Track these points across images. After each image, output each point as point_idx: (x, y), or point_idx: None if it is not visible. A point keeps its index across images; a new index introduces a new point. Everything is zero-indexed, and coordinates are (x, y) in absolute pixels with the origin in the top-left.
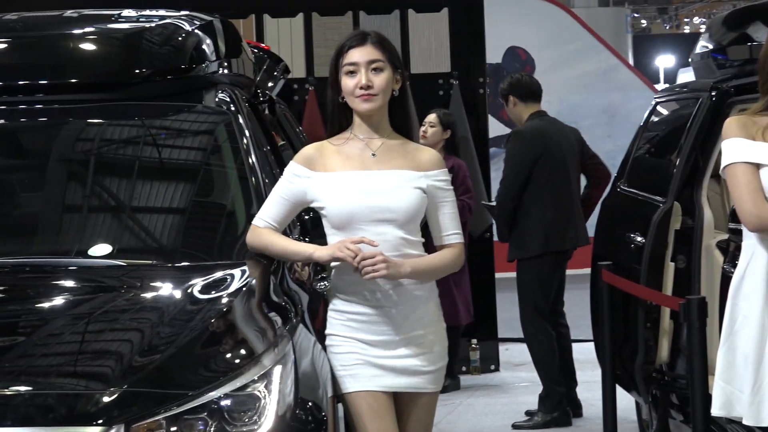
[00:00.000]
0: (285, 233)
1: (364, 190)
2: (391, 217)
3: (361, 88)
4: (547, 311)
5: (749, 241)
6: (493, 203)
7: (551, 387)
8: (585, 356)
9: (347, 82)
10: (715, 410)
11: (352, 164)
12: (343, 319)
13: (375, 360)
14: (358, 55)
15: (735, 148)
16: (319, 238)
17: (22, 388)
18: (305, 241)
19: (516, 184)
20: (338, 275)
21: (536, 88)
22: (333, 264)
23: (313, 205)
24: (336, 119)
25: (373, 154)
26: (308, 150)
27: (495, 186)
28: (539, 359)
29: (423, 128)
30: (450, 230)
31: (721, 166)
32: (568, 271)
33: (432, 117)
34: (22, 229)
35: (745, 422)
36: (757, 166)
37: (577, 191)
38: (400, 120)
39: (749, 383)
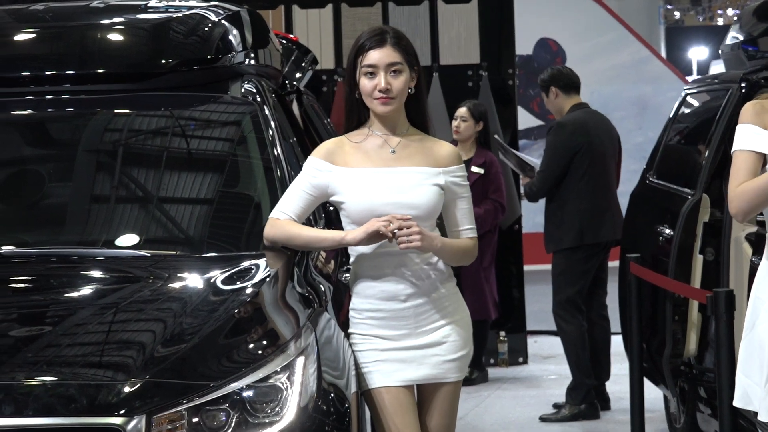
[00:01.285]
0: (310, 224)
1: (386, 187)
2: (412, 214)
3: (380, 91)
4: (579, 303)
5: None
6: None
7: (580, 378)
8: (613, 349)
9: (365, 83)
10: (736, 402)
11: (373, 161)
12: (362, 317)
13: (395, 354)
14: (377, 57)
15: (745, 134)
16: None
17: (46, 379)
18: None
19: (554, 175)
20: (355, 273)
21: (577, 80)
22: (351, 260)
23: (332, 199)
24: (353, 115)
25: (393, 151)
26: (328, 145)
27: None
28: (569, 350)
29: (455, 123)
30: (465, 225)
31: (732, 150)
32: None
33: (463, 111)
34: (50, 219)
35: (760, 418)
36: (765, 158)
37: (615, 184)
38: (416, 115)
39: (764, 377)
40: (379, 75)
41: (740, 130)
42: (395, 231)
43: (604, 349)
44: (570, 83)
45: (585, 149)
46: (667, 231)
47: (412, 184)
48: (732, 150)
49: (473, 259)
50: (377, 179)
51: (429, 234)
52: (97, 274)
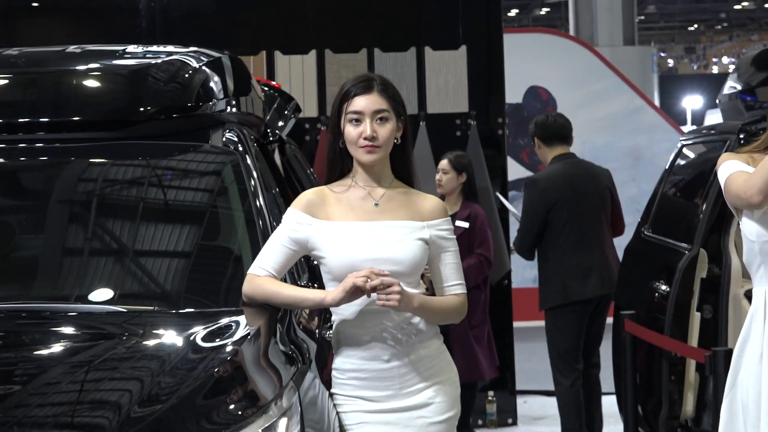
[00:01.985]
0: (293, 279)
1: (368, 242)
2: (394, 270)
3: (366, 138)
4: (570, 362)
5: (759, 287)
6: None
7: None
8: (607, 409)
9: (350, 131)
10: None
11: (355, 214)
12: (345, 377)
13: (380, 417)
14: (363, 103)
15: (730, 165)
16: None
17: None
18: (314, 288)
19: (532, 233)
20: (337, 331)
21: (560, 130)
22: (333, 318)
23: (313, 254)
24: (336, 165)
25: (376, 204)
26: (309, 195)
27: (514, 232)
28: (559, 408)
29: (437, 176)
30: (452, 281)
31: (722, 187)
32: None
33: (444, 163)
34: (20, 272)
35: None
36: None
37: (607, 236)
38: (401, 167)
39: None
40: (365, 122)
41: (724, 166)
42: (376, 286)
43: (593, 408)
44: (551, 134)
45: (560, 204)
46: (663, 287)
47: (396, 239)
48: (724, 178)
49: (462, 316)
50: (359, 234)
51: (408, 293)
52: (69, 330)
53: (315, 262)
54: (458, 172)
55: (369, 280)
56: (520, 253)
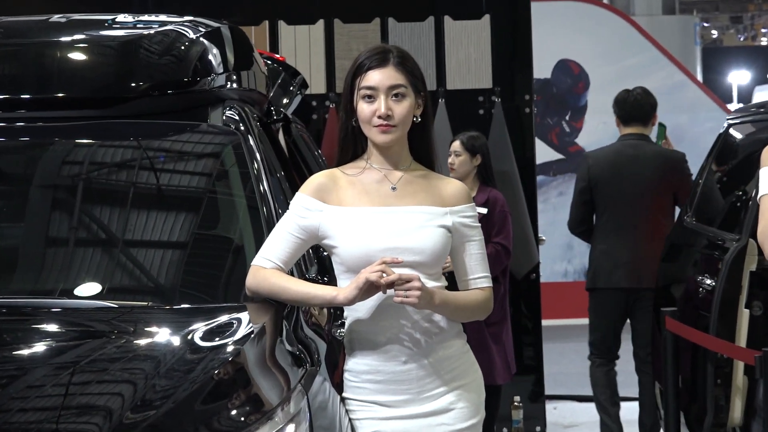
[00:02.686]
0: (300, 272)
1: (384, 229)
2: (414, 260)
3: (380, 117)
4: (601, 348)
5: None
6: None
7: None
8: (624, 416)
9: (364, 108)
10: None
11: (370, 199)
12: (358, 380)
13: (396, 424)
14: (377, 78)
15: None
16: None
17: None
18: (324, 283)
19: (575, 210)
20: (350, 329)
21: (636, 110)
22: (345, 315)
23: (324, 242)
24: (348, 146)
25: (393, 188)
26: (319, 179)
27: (544, 221)
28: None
29: (450, 159)
30: (477, 273)
31: (758, 197)
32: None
33: (456, 145)
34: None
35: None
36: None
37: (649, 226)
38: (421, 148)
39: None
40: (379, 99)
41: (764, 174)
42: (393, 281)
43: (647, 402)
44: (627, 113)
45: (602, 184)
46: (708, 281)
47: (415, 225)
48: (758, 196)
49: (488, 312)
50: (375, 220)
51: (429, 289)
52: (53, 328)
53: (325, 253)
54: (472, 153)
55: (384, 275)
56: (570, 230)
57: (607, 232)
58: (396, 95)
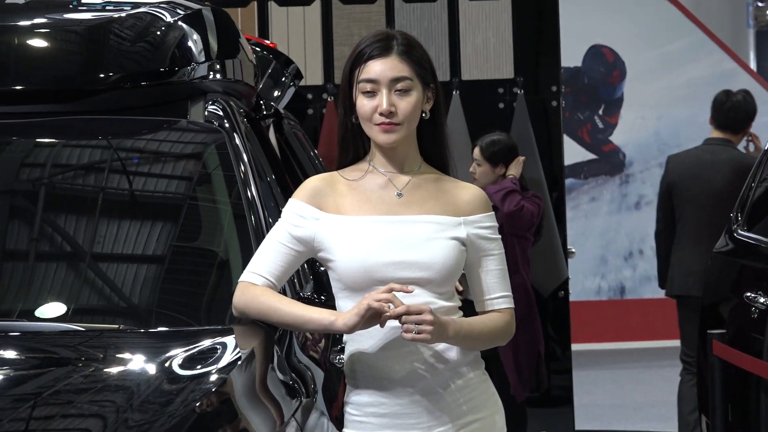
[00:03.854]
0: (294, 290)
1: (387, 241)
2: (422, 277)
3: (381, 114)
4: (686, 357)
5: None
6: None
7: None
8: None
9: (364, 104)
10: None
11: (373, 207)
12: (360, 414)
13: None
14: (379, 69)
15: None
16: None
17: None
18: (321, 304)
19: (659, 212)
20: (350, 355)
21: (731, 121)
22: (345, 339)
23: (319, 256)
24: (348, 146)
25: (399, 194)
26: (314, 183)
27: (573, 231)
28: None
29: (471, 168)
30: (497, 292)
31: None
32: (662, 343)
33: (476, 152)
34: None
35: None
36: None
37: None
38: (432, 148)
39: None
40: (381, 93)
41: None
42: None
43: None
44: (723, 121)
45: (678, 188)
46: (762, 299)
47: (423, 237)
48: None
49: (510, 336)
50: (376, 231)
51: (442, 321)
52: (11, 354)
53: (322, 268)
54: (492, 164)
55: (391, 305)
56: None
57: (681, 238)
58: (400, 90)
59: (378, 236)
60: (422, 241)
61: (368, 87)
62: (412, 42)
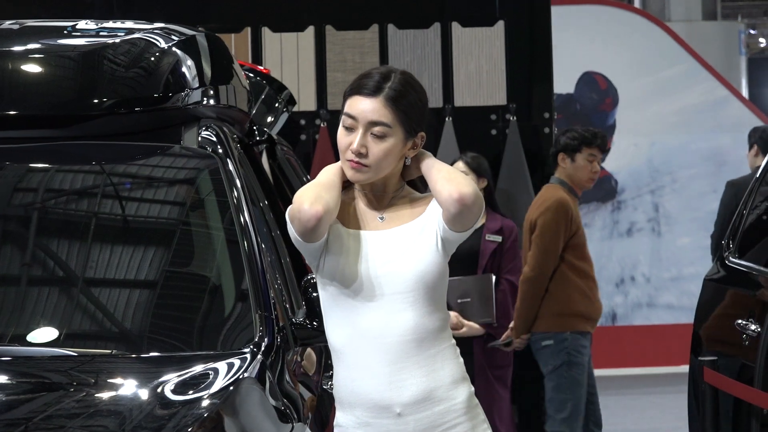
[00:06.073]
0: (287, 316)
1: (365, 254)
2: (400, 290)
3: (352, 151)
4: None
5: None
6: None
7: None
8: None
9: (341, 136)
10: None
11: (357, 223)
12: None
13: None
14: (360, 108)
15: None
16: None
17: None
18: (312, 327)
19: (717, 236)
20: (337, 374)
21: None
22: (333, 357)
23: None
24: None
25: (381, 218)
26: None
27: None
28: None
29: None
30: None
31: None
32: (653, 370)
33: (459, 165)
34: None
35: None
36: None
37: None
38: (416, 178)
39: None
40: (357, 132)
41: None
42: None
43: None
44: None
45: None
46: (753, 327)
47: (399, 246)
48: None
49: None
50: (359, 244)
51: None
52: (2, 379)
53: (315, 294)
54: (478, 175)
55: None
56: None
57: None
58: (376, 134)
59: (360, 249)
60: (400, 252)
61: (348, 122)
62: (406, 90)
